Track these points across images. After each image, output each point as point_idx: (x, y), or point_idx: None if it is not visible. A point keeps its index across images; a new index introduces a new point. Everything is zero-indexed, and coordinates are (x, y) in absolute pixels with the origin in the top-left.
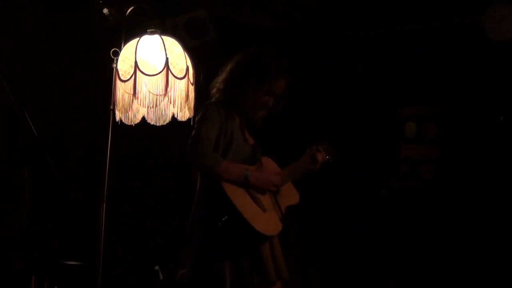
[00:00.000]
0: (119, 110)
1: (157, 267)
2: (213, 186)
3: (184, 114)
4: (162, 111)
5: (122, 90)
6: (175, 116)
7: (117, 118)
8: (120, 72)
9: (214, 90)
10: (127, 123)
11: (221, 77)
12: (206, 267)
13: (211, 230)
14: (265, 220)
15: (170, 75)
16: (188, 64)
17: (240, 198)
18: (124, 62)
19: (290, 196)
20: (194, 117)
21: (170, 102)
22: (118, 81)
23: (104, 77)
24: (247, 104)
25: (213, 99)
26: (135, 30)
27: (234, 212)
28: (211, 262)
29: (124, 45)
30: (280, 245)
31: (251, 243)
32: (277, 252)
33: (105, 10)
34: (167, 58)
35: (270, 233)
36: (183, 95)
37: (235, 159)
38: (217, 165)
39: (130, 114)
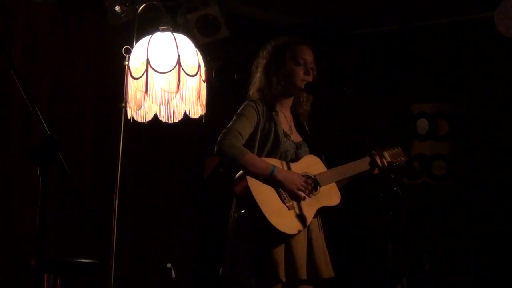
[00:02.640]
0: (131, 108)
1: (169, 265)
2: (239, 180)
3: (196, 111)
4: (174, 108)
5: (134, 88)
6: (187, 113)
7: (129, 116)
8: (132, 70)
9: (251, 92)
10: (139, 120)
11: (253, 78)
12: (238, 263)
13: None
14: (286, 217)
15: (182, 72)
16: (200, 61)
17: (263, 193)
18: (136, 59)
19: (329, 196)
20: (206, 114)
21: (182, 100)
22: (130, 79)
23: (116, 74)
24: (282, 88)
25: (254, 91)
26: (147, 27)
27: (253, 206)
28: (242, 258)
29: (136, 43)
30: (311, 244)
31: (267, 239)
32: (298, 251)
33: (117, 8)
34: (179, 56)
35: (288, 230)
36: (195, 92)
37: (272, 153)
38: (241, 156)
39: (142, 111)
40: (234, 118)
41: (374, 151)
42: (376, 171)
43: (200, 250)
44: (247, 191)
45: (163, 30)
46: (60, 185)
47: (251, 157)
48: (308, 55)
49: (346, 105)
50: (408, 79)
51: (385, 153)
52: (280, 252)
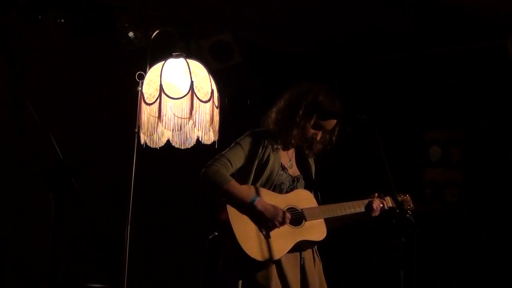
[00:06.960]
0: (144, 133)
1: None
2: (220, 206)
3: (209, 137)
4: (186, 134)
5: (147, 113)
6: (200, 140)
7: (142, 141)
8: (145, 95)
9: (267, 120)
10: (151, 146)
11: (275, 107)
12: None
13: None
14: (261, 244)
15: (195, 98)
16: (213, 87)
17: (241, 220)
18: (149, 85)
19: (314, 231)
20: (218, 140)
21: (195, 126)
22: (143, 104)
23: (129, 100)
24: (295, 134)
25: (264, 127)
26: (160, 53)
27: (230, 232)
28: (227, 281)
29: (149, 68)
30: (304, 272)
31: (239, 264)
32: (291, 279)
33: (131, 34)
34: (192, 81)
35: (259, 257)
36: (208, 118)
37: (266, 184)
38: (224, 183)
39: (155, 137)
40: (231, 146)
41: (375, 194)
42: (375, 213)
43: (210, 280)
44: (226, 217)
45: (177, 56)
46: (73, 210)
47: (234, 185)
48: (331, 127)
49: (359, 132)
50: (420, 106)
51: (387, 198)
52: (267, 277)
